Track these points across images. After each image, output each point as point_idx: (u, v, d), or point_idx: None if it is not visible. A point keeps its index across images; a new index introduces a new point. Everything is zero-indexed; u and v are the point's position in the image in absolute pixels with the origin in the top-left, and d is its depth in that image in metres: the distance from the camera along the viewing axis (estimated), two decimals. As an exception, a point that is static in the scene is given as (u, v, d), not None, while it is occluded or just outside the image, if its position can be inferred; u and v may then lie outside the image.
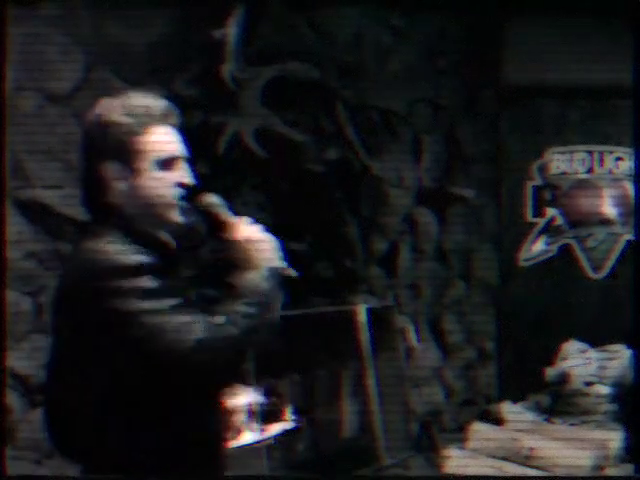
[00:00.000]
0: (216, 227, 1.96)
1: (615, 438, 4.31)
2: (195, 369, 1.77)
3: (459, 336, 5.24)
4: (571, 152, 5.26)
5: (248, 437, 4.13)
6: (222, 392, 1.96)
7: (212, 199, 1.98)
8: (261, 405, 4.20)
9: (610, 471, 4.17)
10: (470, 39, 5.10)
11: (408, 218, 5.07)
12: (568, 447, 4.22)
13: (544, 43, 4.99)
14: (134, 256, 1.80)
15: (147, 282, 1.77)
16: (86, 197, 1.94)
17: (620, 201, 5.22)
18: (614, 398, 4.62)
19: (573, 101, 5.22)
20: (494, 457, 4.30)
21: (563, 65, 4.95)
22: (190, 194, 1.95)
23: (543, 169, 5.27)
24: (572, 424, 4.57)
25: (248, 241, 1.91)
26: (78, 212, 3.96)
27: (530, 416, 4.69)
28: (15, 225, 3.80)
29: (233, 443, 4.10)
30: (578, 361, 4.82)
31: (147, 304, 1.75)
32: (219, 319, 1.79)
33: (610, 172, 5.24)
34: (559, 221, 5.26)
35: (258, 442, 4.07)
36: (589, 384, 4.69)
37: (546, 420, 4.68)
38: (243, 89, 4.24)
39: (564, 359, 4.86)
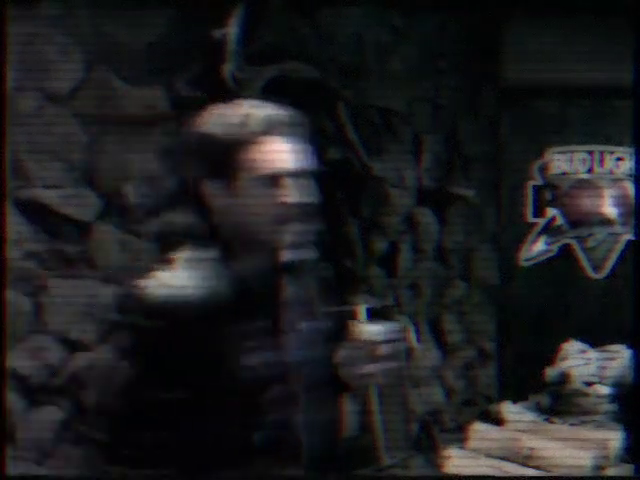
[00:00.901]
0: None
1: (615, 438, 4.30)
2: None
3: (459, 336, 5.24)
4: (571, 152, 5.26)
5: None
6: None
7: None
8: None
9: (610, 471, 4.17)
10: (470, 39, 5.10)
11: (408, 218, 5.07)
12: (568, 447, 4.22)
13: (544, 43, 4.99)
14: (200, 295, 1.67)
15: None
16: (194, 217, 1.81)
17: (620, 201, 5.22)
18: (614, 398, 4.61)
19: (573, 101, 5.22)
20: (494, 457, 4.30)
21: (563, 65, 4.94)
22: (302, 216, 1.80)
23: (543, 169, 5.27)
24: (572, 424, 4.56)
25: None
26: (78, 212, 3.99)
27: (530, 416, 4.69)
28: (15, 225, 3.79)
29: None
30: (578, 361, 4.82)
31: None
32: None
33: (610, 172, 5.24)
34: (559, 221, 5.26)
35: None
36: (589, 384, 4.68)
37: (546, 420, 4.67)
38: (243, 89, 4.24)
39: (564, 359, 4.86)
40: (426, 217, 5.13)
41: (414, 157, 5.06)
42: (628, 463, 4.19)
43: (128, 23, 3.99)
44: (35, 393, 3.85)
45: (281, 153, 1.77)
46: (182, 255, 1.77)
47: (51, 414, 3.88)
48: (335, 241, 4.70)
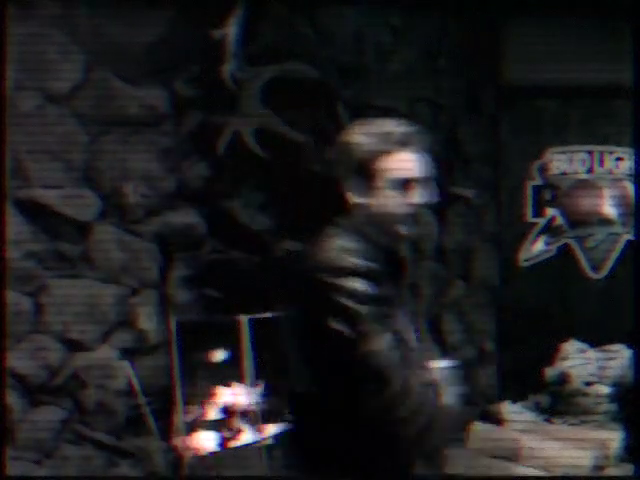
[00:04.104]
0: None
1: (615, 438, 4.31)
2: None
3: (459, 336, 5.24)
4: (571, 152, 5.26)
5: (248, 437, 4.14)
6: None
7: None
8: (261, 405, 4.19)
9: (610, 471, 4.18)
10: (470, 39, 5.09)
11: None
12: (568, 447, 4.23)
13: (544, 43, 4.99)
14: (364, 260, 2.00)
15: (370, 287, 1.97)
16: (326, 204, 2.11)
17: (620, 201, 5.22)
18: (614, 398, 4.62)
19: (573, 101, 5.22)
20: (494, 457, 4.30)
21: (563, 65, 4.95)
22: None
23: (543, 169, 5.27)
24: (572, 424, 4.57)
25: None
26: (78, 212, 3.99)
27: (530, 416, 4.70)
28: (15, 225, 3.80)
29: (233, 443, 4.12)
30: (578, 361, 4.82)
31: (366, 309, 1.94)
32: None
33: (610, 172, 5.25)
34: (559, 221, 5.26)
35: (258, 442, 4.07)
36: (589, 384, 4.69)
37: (546, 420, 4.68)
38: (243, 89, 4.24)
39: (564, 359, 4.87)
40: (426, 217, 5.12)
41: (414, 157, 5.05)
42: (628, 463, 4.20)
43: (128, 23, 3.99)
44: (35, 393, 3.85)
45: (412, 163, 2.17)
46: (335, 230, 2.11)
47: (51, 414, 3.88)
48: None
